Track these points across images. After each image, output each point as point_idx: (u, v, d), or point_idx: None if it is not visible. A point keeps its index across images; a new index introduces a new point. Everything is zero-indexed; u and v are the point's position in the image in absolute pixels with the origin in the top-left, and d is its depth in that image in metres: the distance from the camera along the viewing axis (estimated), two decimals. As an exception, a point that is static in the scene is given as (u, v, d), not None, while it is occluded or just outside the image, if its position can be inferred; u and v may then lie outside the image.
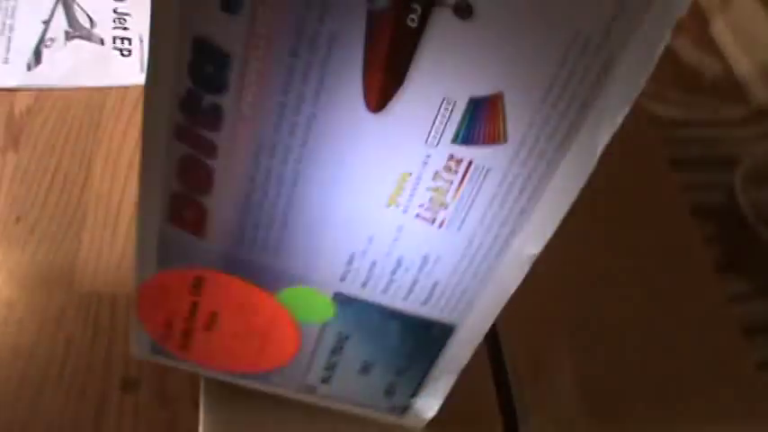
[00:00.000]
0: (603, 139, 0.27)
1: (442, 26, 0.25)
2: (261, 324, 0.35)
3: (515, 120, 0.26)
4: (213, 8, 0.25)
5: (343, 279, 0.33)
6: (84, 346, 0.55)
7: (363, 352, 0.36)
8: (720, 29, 0.87)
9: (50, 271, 0.59)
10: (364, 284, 0.33)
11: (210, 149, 0.28)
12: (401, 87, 0.26)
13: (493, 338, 0.49)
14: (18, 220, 0.60)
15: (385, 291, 0.33)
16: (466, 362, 0.36)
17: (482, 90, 0.26)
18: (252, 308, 0.34)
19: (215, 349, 0.37)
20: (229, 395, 0.41)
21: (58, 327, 0.57)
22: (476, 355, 0.38)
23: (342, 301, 0.33)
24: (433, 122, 0.27)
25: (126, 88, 0.68)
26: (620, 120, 0.26)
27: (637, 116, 0.69)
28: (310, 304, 0.34)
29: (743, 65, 0.84)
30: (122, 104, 0.67)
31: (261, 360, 0.37)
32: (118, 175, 0.64)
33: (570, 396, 0.46)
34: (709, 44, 0.87)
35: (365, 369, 0.37)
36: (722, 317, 0.58)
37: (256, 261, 0.32)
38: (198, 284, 0.34)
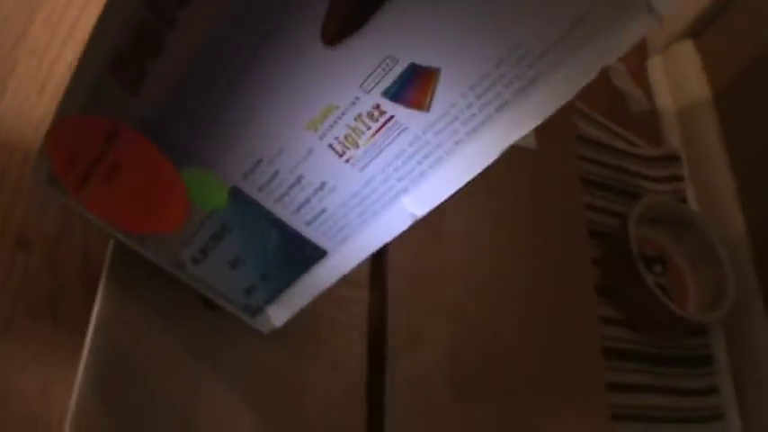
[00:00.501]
0: (510, 139, 0.31)
1: None
2: (156, 191, 0.37)
3: (442, 96, 0.30)
4: None
5: (245, 177, 0.35)
6: None
7: (238, 248, 0.39)
8: (656, 65, 0.93)
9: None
10: (262, 188, 0.36)
11: (171, 22, 0.31)
12: (358, 31, 0.29)
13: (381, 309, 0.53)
14: None
15: (278, 200, 0.36)
16: (325, 287, 0.39)
17: (424, 60, 0.29)
18: (153, 174, 0.37)
19: (106, 199, 0.39)
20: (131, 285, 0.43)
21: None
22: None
23: (236, 196, 0.36)
24: (373, 71, 0.30)
25: None
26: (529, 129, 0.30)
27: (565, 130, 0.74)
28: (207, 189, 0.36)
29: (667, 107, 0.90)
30: None
31: (145, 222, 0.40)
32: (57, 34, 0.62)
33: (437, 370, 0.51)
34: (642, 78, 0.92)
35: (234, 264, 0.40)
36: (589, 332, 0.64)
37: (175, 133, 0.35)
38: (113, 137, 0.36)
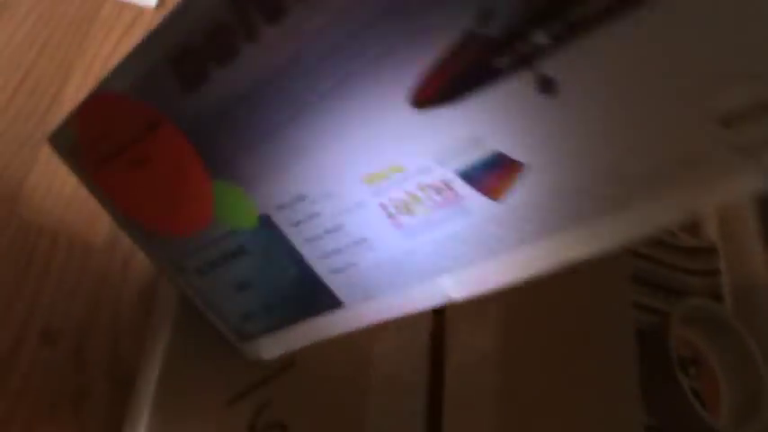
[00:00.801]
0: (578, 254, 0.28)
1: (519, 85, 0.26)
2: (182, 193, 0.35)
3: (519, 193, 0.27)
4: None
5: (280, 208, 0.33)
6: (9, 281, 0.49)
7: (250, 273, 0.36)
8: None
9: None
10: (295, 225, 0.33)
11: (252, 35, 0.28)
12: (453, 103, 0.26)
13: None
14: None
15: (309, 241, 0.33)
16: (328, 336, 0.37)
17: (511, 152, 0.27)
18: (184, 176, 0.34)
19: (125, 185, 0.37)
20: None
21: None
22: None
23: (266, 224, 0.34)
24: (455, 147, 0.27)
25: (123, 4, 0.61)
26: (598, 251, 0.28)
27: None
28: (236, 208, 0.34)
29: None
30: (116, 20, 0.61)
31: (160, 220, 0.37)
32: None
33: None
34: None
35: (240, 287, 0.37)
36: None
37: (220, 143, 0.32)
38: (152, 127, 0.33)
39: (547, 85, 0.26)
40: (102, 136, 0.35)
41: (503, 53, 0.25)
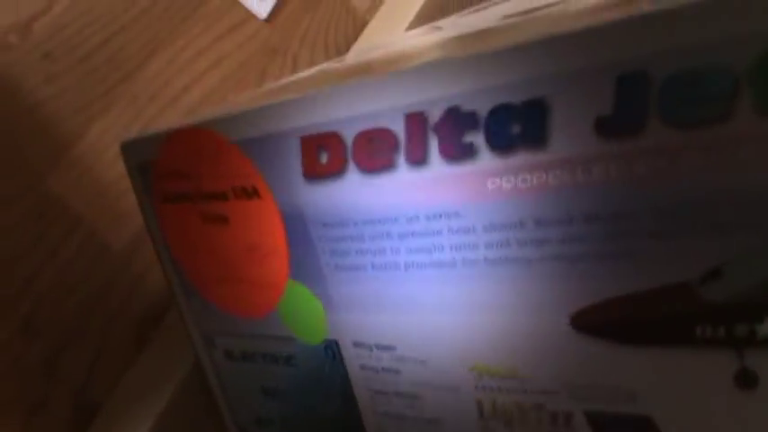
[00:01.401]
0: None
1: (712, 365, 0.22)
2: (249, 273, 0.31)
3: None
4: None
5: (355, 345, 0.28)
6: (7, 254, 0.43)
7: (287, 385, 0.32)
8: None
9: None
10: (363, 368, 0.28)
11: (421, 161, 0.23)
12: (619, 341, 0.22)
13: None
14: (47, 55, 0.47)
15: (371, 391, 0.29)
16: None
17: (661, 424, 0.22)
18: (260, 259, 0.30)
19: (187, 231, 0.33)
20: None
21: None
22: None
23: (331, 350, 0.29)
24: (600, 387, 0.24)
25: (234, 3, 0.56)
26: None
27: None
28: (306, 318, 0.29)
29: None
30: (221, 18, 0.56)
31: (212, 284, 0.33)
32: (173, 83, 0.54)
33: None
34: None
35: (269, 392, 0.33)
36: None
37: (318, 249, 0.29)
38: (250, 193, 0.29)
39: (747, 379, 0.20)
40: (187, 172, 0.30)
41: (712, 323, 0.20)
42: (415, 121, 0.23)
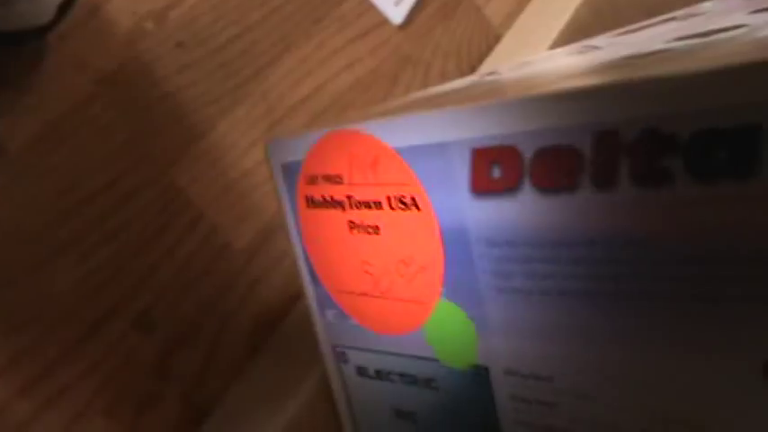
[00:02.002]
0: None
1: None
2: (395, 287, 0.31)
3: None
4: None
5: (510, 373, 0.26)
6: (129, 243, 0.44)
7: (423, 409, 0.32)
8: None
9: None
10: (515, 399, 0.27)
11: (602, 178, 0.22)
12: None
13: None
14: (180, 45, 0.47)
15: (520, 424, 0.27)
16: None
17: None
18: (411, 274, 0.30)
19: (331, 239, 0.32)
20: None
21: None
22: None
23: (478, 376, 0.28)
24: None
25: (369, 7, 0.55)
26: None
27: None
28: (454, 341, 0.29)
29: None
30: (354, 20, 0.56)
31: (352, 295, 0.32)
32: (304, 83, 0.54)
33: None
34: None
35: (402, 415, 0.32)
36: None
37: (477, 266, 0.28)
38: (408, 203, 0.28)
39: None
40: (338, 177, 0.29)
41: None
42: (606, 139, 0.22)
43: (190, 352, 0.43)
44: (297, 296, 0.47)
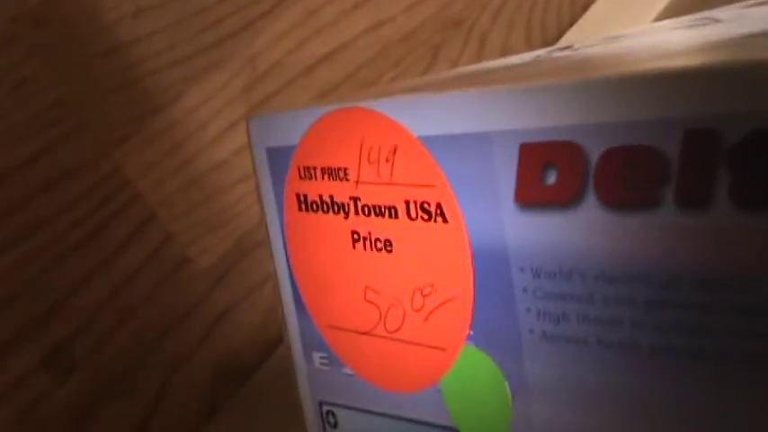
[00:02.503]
0: None
1: None
2: (405, 330, 0.33)
3: None
4: None
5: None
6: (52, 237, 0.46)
7: None
8: None
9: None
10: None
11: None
12: None
13: None
14: (136, 15, 0.48)
15: None
16: None
17: None
18: (428, 307, 0.32)
19: (329, 261, 0.34)
20: None
21: None
22: None
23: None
24: None
25: None
26: None
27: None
28: (480, 405, 0.31)
29: None
30: None
31: (349, 336, 0.34)
32: (308, 47, 0.55)
33: None
34: None
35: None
36: None
37: (519, 302, 0.30)
38: (435, 212, 0.30)
39: None
40: (342, 170, 0.31)
41: None
42: (701, 141, 0.24)
43: (122, 406, 0.45)
44: (276, 339, 0.49)
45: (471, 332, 0.30)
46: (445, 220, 0.30)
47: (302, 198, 0.34)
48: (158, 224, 0.45)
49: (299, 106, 0.33)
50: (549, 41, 0.61)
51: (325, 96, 0.50)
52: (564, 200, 0.27)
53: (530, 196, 0.28)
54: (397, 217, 0.31)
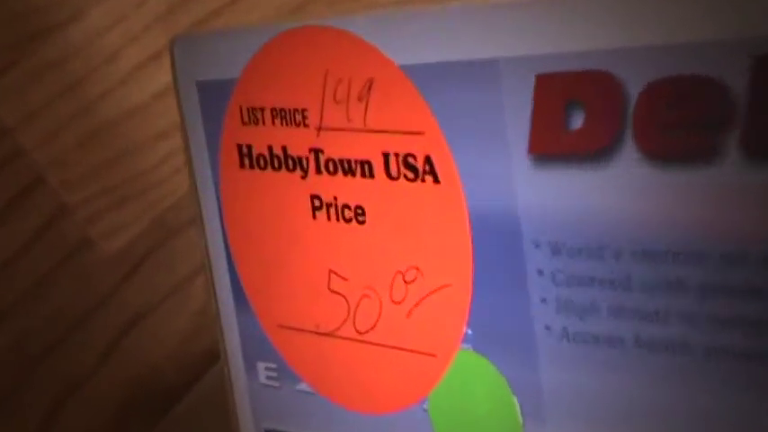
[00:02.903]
0: None
1: None
2: (383, 327, 0.34)
3: None
4: None
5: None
6: None
7: None
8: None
9: None
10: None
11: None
12: None
13: None
14: None
15: None
16: None
17: None
18: (414, 298, 0.33)
19: (283, 236, 0.36)
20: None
21: None
22: None
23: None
24: None
25: None
26: None
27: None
28: (481, 424, 0.32)
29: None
30: None
31: (315, 347, 0.36)
32: None
33: None
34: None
35: None
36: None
37: (532, 289, 0.31)
38: (422, 168, 0.32)
39: None
40: (298, 111, 0.33)
41: None
42: None
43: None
44: (210, 353, 0.50)
45: (469, 331, 0.32)
46: (436, 180, 0.32)
47: (245, 151, 0.35)
48: (47, 192, 0.46)
49: (241, 25, 0.34)
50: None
51: (289, 15, 0.50)
52: (593, 150, 0.28)
53: (548, 146, 0.29)
54: (371, 176, 0.32)
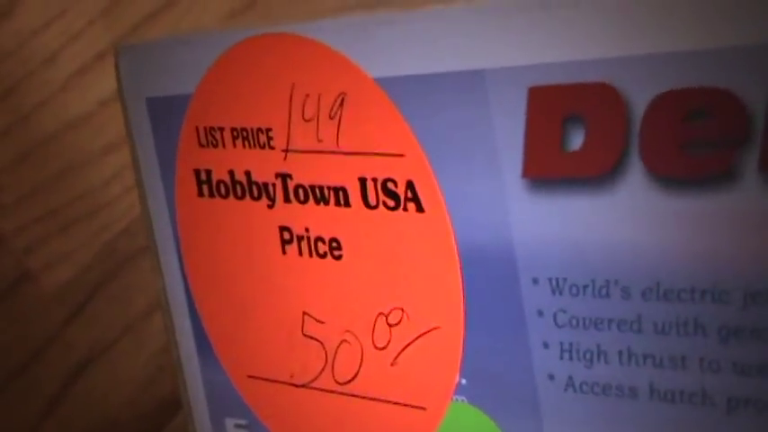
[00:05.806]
0: None
1: None
2: (363, 379, 0.35)
3: None
4: None
5: None
6: None
7: None
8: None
9: None
10: None
11: None
12: None
13: None
14: None
15: None
16: None
17: None
18: (397, 345, 0.34)
19: (246, 274, 0.36)
20: None
21: None
22: None
23: None
24: None
25: None
26: None
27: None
28: None
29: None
30: None
31: (287, 397, 0.36)
32: None
33: None
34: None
35: None
36: None
37: (532, 331, 0.32)
38: (405, 195, 0.33)
39: None
40: (263, 130, 0.34)
41: None
42: None
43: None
44: (170, 403, 0.51)
45: (463, 381, 0.33)
46: (420, 209, 0.32)
47: (204, 176, 0.36)
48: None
49: (196, 31, 0.35)
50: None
51: (241, 16, 0.51)
52: (595, 173, 0.29)
53: (545, 169, 0.30)
54: (347, 204, 0.33)
